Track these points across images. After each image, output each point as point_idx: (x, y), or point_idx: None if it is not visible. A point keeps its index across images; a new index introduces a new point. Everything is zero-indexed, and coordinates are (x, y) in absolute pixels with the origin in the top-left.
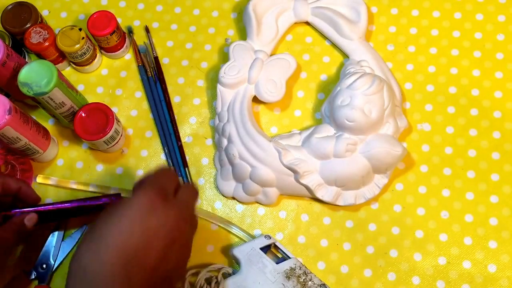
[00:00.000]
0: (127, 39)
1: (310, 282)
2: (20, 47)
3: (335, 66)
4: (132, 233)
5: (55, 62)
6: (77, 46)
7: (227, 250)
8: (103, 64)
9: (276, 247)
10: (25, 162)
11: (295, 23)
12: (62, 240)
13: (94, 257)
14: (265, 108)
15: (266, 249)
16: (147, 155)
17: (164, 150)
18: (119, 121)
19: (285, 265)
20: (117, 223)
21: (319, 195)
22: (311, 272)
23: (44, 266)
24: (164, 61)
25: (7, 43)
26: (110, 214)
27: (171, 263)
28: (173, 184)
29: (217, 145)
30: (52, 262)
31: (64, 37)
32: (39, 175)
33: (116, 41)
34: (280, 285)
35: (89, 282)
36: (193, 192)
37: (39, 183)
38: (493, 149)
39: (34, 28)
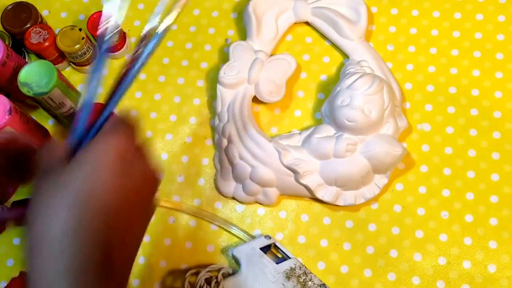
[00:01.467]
0: (127, 39)
1: (310, 282)
2: (20, 47)
3: (335, 66)
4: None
5: (55, 62)
6: (77, 46)
7: (227, 250)
8: None
9: (276, 247)
10: None
11: (295, 23)
12: None
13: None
14: (265, 108)
15: (266, 249)
16: None
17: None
18: None
19: (285, 265)
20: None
21: (319, 195)
22: (311, 272)
23: None
24: (164, 61)
25: (7, 43)
26: None
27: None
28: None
29: (217, 145)
30: None
31: (64, 37)
32: None
33: (116, 41)
34: (280, 285)
35: None
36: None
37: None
38: (493, 149)
39: (34, 28)
